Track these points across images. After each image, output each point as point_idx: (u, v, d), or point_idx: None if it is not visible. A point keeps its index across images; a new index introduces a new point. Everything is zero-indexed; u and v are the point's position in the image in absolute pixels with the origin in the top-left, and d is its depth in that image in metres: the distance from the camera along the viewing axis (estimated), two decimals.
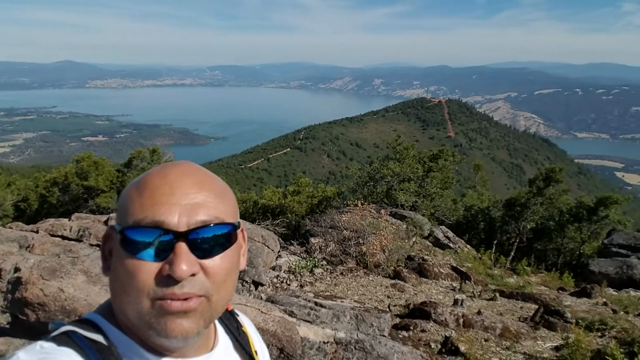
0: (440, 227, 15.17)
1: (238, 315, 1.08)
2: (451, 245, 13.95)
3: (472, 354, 5.49)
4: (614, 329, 6.83)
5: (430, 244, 13.37)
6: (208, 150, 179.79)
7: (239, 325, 1.05)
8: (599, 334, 6.72)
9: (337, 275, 9.08)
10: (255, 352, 1.04)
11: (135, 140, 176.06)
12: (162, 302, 0.74)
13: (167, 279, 0.74)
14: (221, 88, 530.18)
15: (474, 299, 8.48)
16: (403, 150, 18.35)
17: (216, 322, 0.96)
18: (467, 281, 9.47)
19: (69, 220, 7.02)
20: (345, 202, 16.33)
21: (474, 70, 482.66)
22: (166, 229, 0.74)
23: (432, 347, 5.77)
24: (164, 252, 0.75)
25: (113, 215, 6.83)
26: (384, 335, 4.68)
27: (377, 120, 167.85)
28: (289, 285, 8.30)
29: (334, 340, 3.55)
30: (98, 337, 0.80)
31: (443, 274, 9.84)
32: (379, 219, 11.99)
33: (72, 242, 4.83)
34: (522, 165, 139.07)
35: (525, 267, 12.35)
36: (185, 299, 0.75)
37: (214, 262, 0.77)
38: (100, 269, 0.90)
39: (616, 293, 10.29)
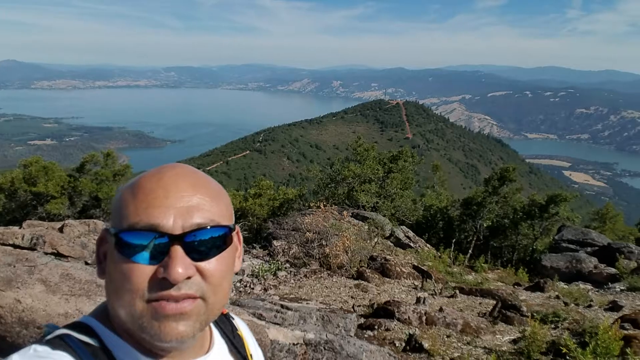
0: (401, 227, 15.44)
1: (233, 318, 1.08)
2: (412, 244, 14.23)
3: (435, 350, 5.62)
4: (566, 321, 7.16)
5: (391, 244, 13.58)
6: (164, 153, 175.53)
7: (234, 329, 1.05)
8: (553, 325, 7.03)
9: (301, 278, 9.08)
10: (251, 355, 1.04)
11: (87, 143, 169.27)
12: (157, 304, 0.73)
13: (162, 282, 0.74)
14: (177, 89, 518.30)
15: (435, 296, 8.69)
16: (363, 152, 18.56)
17: (211, 325, 0.96)
18: (428, 279, 9.68)
19: (19, 228, 6.70)
20: (307, 204, 16.35)
21: (430, 73, 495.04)
22: (161, 232, 0.74)
23: (397, 345, 5.86)
24: (160, 255, 0.74)
25: (68, 221, 6.56)
26: (350, 336, 4.72)
27: (337, 122, 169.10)
28: (253, 289, 8.23)
29: (304, 341, 3.56)
30: (92, 341, 0.80)
31: (405, 273, 10.01)
32: (342, 221, 12.09)
33: (26, 250, 4.61)
34: (477, 165, 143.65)
35: (483, 264, 12.74)
36: (181, 301, 0.74)
37: (210, 265, 0.77)
38: (96, 273, 0.88)
39: (567, 286, 10.78)
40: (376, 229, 13.37)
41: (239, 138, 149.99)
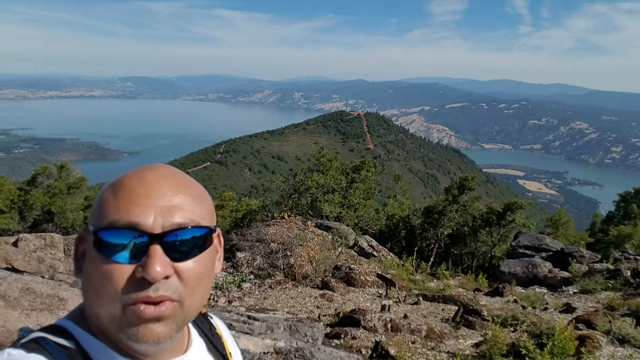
0: (365, 236, 15.59)
1: (212, 318, 1.08)
2: (375, 253, 14.39)
3: (401, 356, 5.69)
4: (525, 324, 7.42)
5: (355, 254, 13.69)
6: (121, 165, 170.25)
7: (212, 328, 1.04)
8: (512, 328, 7.27)
9: (266, 289, 9.01)
10: (230, 353, 1.04)
11: (37, 155, 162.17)
12: (135, 307, 0.73)
13: (140, 282, 0.73)
14: (134, 100, 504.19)
15: (399, 304, 8.80)
16: (327, 162, 18.68)
17: (190, 324, 0.96)
18: (392, 287, 9.80)
19: None
20: (271, 215, 16.27)
21: (390, 85, 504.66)
22: (141, 231, 0.73)
23: (364, 352, 5.90)
24: (138, 255, 0.73)
25: (23, 235, 6.27)
26: (319, 344, 4.73)
27: (298, 133, 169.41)
28: (217, 301, 8.09)
29: (274, 350, 3.54)
30: (69, 343, 0.78)
31: (369, 282, 10.11)
32: (306, 231, 12.10)
33: None
34: (437, 175, 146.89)
35: (444, 272, 13.02)
36: (159, 304, 0.73)
37: (188, 266, 0.76)
38: (73, 272, 0.88)
39: (524, 290, 11.17)
40: (340, 239, 13.45)
41: (199, 149, 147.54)
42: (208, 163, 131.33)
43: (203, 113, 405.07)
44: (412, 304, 8.91)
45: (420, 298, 9.21)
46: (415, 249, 17.13)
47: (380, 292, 9.71)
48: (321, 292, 9.02)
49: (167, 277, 0.74)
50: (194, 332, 0.97)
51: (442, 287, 10.89)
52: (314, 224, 13.83)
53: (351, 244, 14.39)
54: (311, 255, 10.05)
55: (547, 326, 6.71)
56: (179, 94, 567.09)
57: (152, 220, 0.74)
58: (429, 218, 19.08)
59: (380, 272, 11.06)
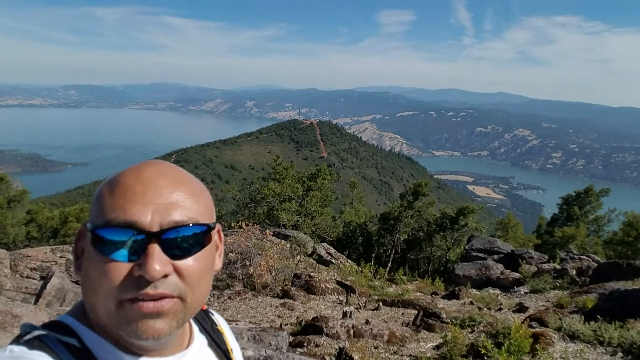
0: (322, 244, 15.61)
1: (213, 314, 1.08)
2: (333, 261, 14.43)
3: None
4: (482, 324, 7.63)
5: (314, 261, 13.67)
6: (65, 177, 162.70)
7: (213, 324, 1.05)
8: (470, 329, 7.46)
9: (225, 300, 8.82)
10: (231, 350, 1.04)
11: None
12: (135, 303, 0.72)
13: (139, 280, 0.72)
14: (78, 109, 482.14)
15: (360, 310, 8.84)
16: (282, 170, 18.62)
17: (191, 321, 0.96)
18: (352, 294, 9.84)
19: None
20: (227, 225, 16.00)
21: (342, 94, 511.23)
22: (138, 229, 0.72)
23: None
24: (137, 253, 0.72)
25: None
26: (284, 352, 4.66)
27: (252, 142, 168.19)
28: None
29: (243, 359, 3.45)
30: (71, 340, 0.78)
31: (329, 289, 10.10)
32: (264, 240, 11.97)
33: None
34: (390, 182, 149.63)
35: (402, 277, 13.21)
36: (159, 299, 0.73)
37: (188, 263, 0.76)
38: (73, 268, 0.84)
39: (479, 292, 11.50)
40: (298, 247, 13.40)
41: (147, 160, 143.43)
42: None
43: (152, 122, 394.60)
44: (372, 310, 8.98)
45: (380, 303, 9.29)
46: (373, 255, 17.31)
47: (340, 299, 9.72)
48: (282, 301, 8.93)
49: (166, 276, 0.73)
50: (195, 328, 0.97)
51: (400, 292, 11.04)
52: (272, 233, 13.72)
53: (310, 252, 14.36)
54: (270, 264, 9.94)
55: (502, 326, 6.94)
56: (126, 102, 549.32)
57: (149, 219, 0.73)
58: (385, 224, 19.37)
59: (339, 279, 11.08)
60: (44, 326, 0.80)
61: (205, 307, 1.05)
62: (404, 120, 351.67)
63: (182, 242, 0.75)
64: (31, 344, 0.75)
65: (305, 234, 16.01)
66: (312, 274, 10.94)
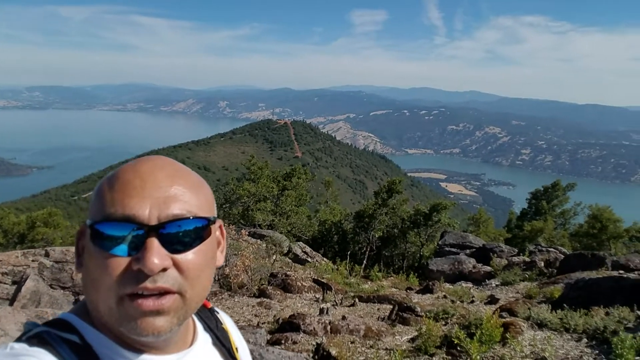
0: (298, 243, 15.66)
1: (218, 312, 1.07)
2: (309, 259, 14.50)
3: (342, 356, 5.79)
4: (455, 317, 7.83)
5: (290, 260, 13.71)
6: (30, 181, 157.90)
7: (218, 322, 1.04)
8: (444, 322, 7.64)
9: None
10: (236, 348, 1.04)
11: None
12: (135, 300, 0.72)
13: (138, 274, 0.72)
14: (44, 111, 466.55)
15: (337, 306, 8.94)
16: (257, 170, 18.58)
17: (195, 318, 0.95)
18: (328, 291, 9.93)
19: None
20: None
21: (315, 93, 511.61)
22: (137, 223, 0.73)
23: (305, 355, 5.94)
24: (136, 247, 0.73)
25: None
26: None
27: (225, 143, 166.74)
28: None
29: None
30: (73, 337, 0.78)
31: (306, 287, 10.17)
32: (239, 240, 11.95)
33: None
34: (364, 181, 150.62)
35: (377, 273, 13.38)
36: (159, 296, 0.73)
37: (187, 257, 0.75)
38: (74, 266, 0.86)
39: (452, 286, 11.76)
40: (274, 247, 13.42)
41: (119, 162, 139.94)
42: None
43: (122, 123, 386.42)
44: (349, 306, 9.09)
45: (356, 300, 9.42)
46: (348, 252, 17.45)
47: (317, 296, 9.80)
48: (258, 300, 8.96)
49: (165, 270, 0.73)
50: (199, 327, 0.96)
51: (376, 288, 11.19)
52: (247, 233, 13.70)
53: (285, 251, 14.40)
54: (246, 264, 9.94)
55: (475, 317, 7.13)
56: (94, 103, 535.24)
57: (147, 212, 0.73)
58: (360, 222, 19.55)
59: (316, 277, 11.17)
60: (46, 324, 0.80)
61: (210, 305, 1.05)
62: (378, 119, 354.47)
63: (180, 235, 0.75)
64: (32, 341, 0.75)
65: (281, 233, 16.04)
66: (288, 272, 10.99)
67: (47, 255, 5.91)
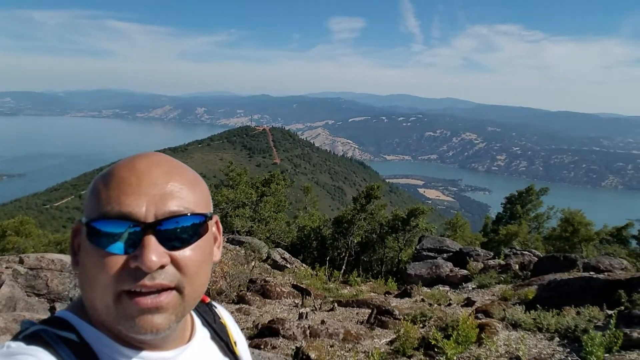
0: (277, 249, 15.64)
1: (216, 307, 1.07)
2: (288, 265, 14.50)
3: (322, 359, 5.83)
4: (432, 319, 7.94)
5: (269, 267, 13.69)
6: (0, 189, 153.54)
7: (216, 317, 1.04)
8: (422, 324, 7.73)
9: None
10: (235, 342, 1.04)
11: None
12: (132, 298, 0.72)
13: (136, 272, 0.72)
14: (14, 117, 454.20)
15: (316, 311, 8.96)
16: (236, 177, 18.50)
17: (193, 314, 0.96)
18: (307, 296, 9.95)
19: None
20: None
21: (294, 100, 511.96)
22: (133, 220, 0.72)
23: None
24: (133, 245, 0.72)
25: None
26: None
27: (203, 150, 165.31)
28: None
29: None
30: (70, 335, 0.78)
31: (285, 293, 10.18)
32: None
33: None
34: (343, 187, 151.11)
35: (356, 278, 13.44)
36: (157, 294, 0.73)
37: (185, 254, 0.75)
38: (70, 264, 0.86)
39: (429, 290, 11.90)
40: (253, 253, 13.37)
41: (93, 169, 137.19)
42: None
43: (97, 130, 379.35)
44: (328, 311, 9.12)
45: (335, 304, 9.46)
46: (327, 258, 17.49)
47: (296, 301, 9.81)
48: (237, 306, 8.93)
49: (162, 267, 0.73)
50: (197, 321, 0.96)
51: (355, 293, 11.24)
52: (226, 240, 13.62)
53: (264, 258, 14.36)
54: (225, 270, 9.90)
55: (451, 319, 7.26)
56: (68, 110, 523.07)
57: (144, 209, 0.73)
58: (339, 228, 19.61)
59: (295, 283, 11.17)
60: (43, 322, 0.80)
61: (208, 299, 1.04)
62: (356, 126, 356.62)
63: (178, 232, 0.75)
64: (29, 340, 0.74)
65: (260, 239, 15.99)
66: (267, 278, 10.98)
67: (21, 262, 5.80)
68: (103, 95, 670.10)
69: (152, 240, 0.72)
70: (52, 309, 5.41)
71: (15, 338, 0.76)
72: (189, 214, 0.76)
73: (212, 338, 0.98)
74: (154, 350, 0.82)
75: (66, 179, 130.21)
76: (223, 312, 1.09)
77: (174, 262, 0.75)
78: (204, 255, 0.79)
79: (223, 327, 1.03)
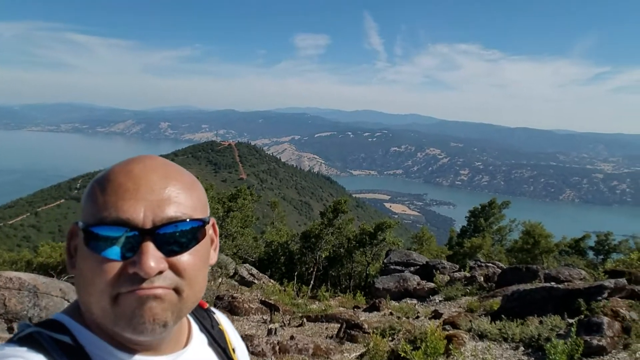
0: (244, 265, 15.45)
1: (214, 313, 1.07)
2: (256, 281, 14.32)
3: None
4: (401, 332, 8.00)
5: (236, 283, 13.50)
6: None
7: (214, 323, 1.03)
8: (391, 337, 7.78)
9: None
10: (233, 349, 1.03)
11: None
12: (130, 292, 0.73)
13: (133, 277, 0.72)
14: None
15: (285, 327, 8.88)
16: None
17: (191, 319, 0.96)
18: (276, 312, 9.85)
19: None
20: None
21: (260, 115, 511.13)
22: (131, 226, 0.72)
23: None
24: (130, 250, 0.73)
25: None
26: None
27: None
28: None
29: None
30: (64, 338, 0.77)
31: (253, 309, 10.05)
32: None
33: None
34: (310, 202, 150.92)
35: (325, 293, 13.41)
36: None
37: (183, 259, 0.76)
38: (67, 267, 0.85)
39: (397, 303, 11.99)
40: (220, 269, 13.16)
41: (51, 185, 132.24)
42: (62, 200, 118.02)
43: (55, 145, 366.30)
44: (297, 326, 9.05)
45: (304, 320, 9.40)
46: (296, 273, 17.37)
47: (265, 317, 9.69)
48: None
49: (161, 272, 0.73)
50: (195, 327, 0.96)
51: (323, 308, 11.20)
52: None
53: (232, 274, 14.15)
54: None
55: (420, 331, 7.33)
56: (24, 124, 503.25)
57: (142, 215, 0.73)
58: (306, 242, 19.56)
59: (263, 299, 11.04)
60: (38, 324, 0.79)
61: (207, 305, 1.04)
62: (322, 141, 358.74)
63: (176, 237, 0.75)
64: (23, 342, 0.75)
65: (227, 255, 15.76)
66: (235, 295, 10.81)
67: None
68: (62, 109, 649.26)
69: (150, 247, 0.73)
70: (10, 329, 5.17)
71: (10, 340, 0.76)
72: (187, 220, 0.77)
73: (210, 344, 0.97)
74: (150, 354, 0.82)
75: (21, 195, 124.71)
76: (222, 319, 1.08)
77: (172, 267, 0.75)
78: (202, 260, 0.80)
79: (221, 334, 1.03)
